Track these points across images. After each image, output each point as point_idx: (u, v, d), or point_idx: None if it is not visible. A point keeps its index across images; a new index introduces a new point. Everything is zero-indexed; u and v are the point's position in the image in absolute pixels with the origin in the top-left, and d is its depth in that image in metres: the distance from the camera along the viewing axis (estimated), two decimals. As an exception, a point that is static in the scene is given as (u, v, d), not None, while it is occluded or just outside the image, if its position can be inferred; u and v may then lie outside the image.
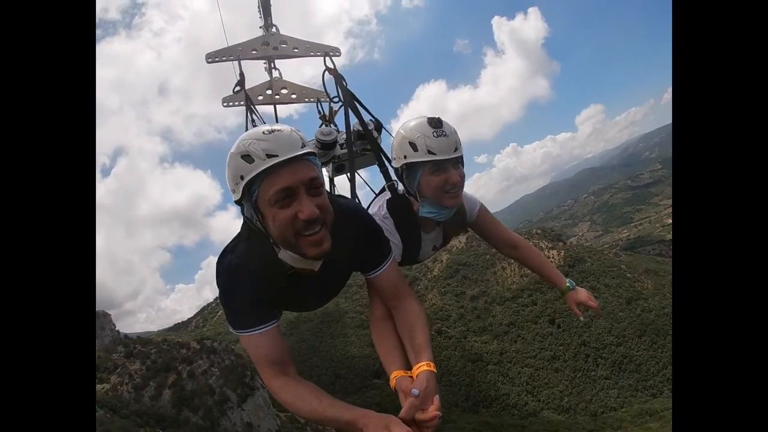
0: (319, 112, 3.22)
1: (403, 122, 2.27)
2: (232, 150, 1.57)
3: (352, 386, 74.48)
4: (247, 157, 1.50)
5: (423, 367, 1.76)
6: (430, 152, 2.08)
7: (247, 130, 2.60)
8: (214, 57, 3.17)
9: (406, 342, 1.89)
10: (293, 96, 3.38)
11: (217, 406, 40.01)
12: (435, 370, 1.77)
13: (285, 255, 1.65)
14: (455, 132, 2.15)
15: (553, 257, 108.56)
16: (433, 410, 1.62)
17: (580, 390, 79.50)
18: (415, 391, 1.62)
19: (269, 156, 1.48)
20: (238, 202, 1.64)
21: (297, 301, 1.94)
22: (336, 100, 3.06)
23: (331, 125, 3.11)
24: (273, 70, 3.34)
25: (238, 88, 3.24)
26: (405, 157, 2.15)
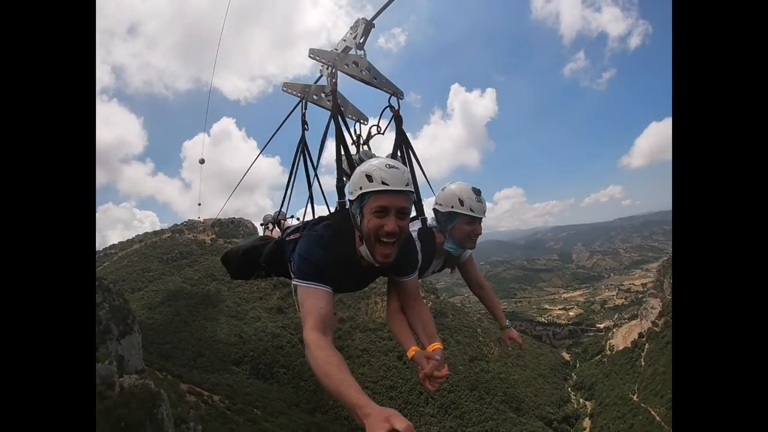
0: (354, 132, 3.31)
1: (446, 183, 2.94)
2: (361, 168, 2.13)
3: (212, 366, 76.39)
4: (369, 177, 2.05)
5: (437, 344, 2.38)
6: (472, 210, 2.78)
7: (303, 121, 3.18)
8: (315, 54, 3.19)
9: (420, 330, 2.49)
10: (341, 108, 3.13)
11: (101, 335, 44.32)
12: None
13: (363, 248, 2.19)
14: (485, 201, 2.86)
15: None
16: (445, 369, 2.20)
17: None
18: (438, 357, 2.22)
19: (384, 183, 2.03)
20: (347, 201, 2.25)
21: (344, 280, 2.33)
22: (379, 129, 3.24)
23: (364, 147, 3.29)
24: (332, 81, 3.22)
25: (330, 92, 3.18)
26: (452, 207, 2.80)
